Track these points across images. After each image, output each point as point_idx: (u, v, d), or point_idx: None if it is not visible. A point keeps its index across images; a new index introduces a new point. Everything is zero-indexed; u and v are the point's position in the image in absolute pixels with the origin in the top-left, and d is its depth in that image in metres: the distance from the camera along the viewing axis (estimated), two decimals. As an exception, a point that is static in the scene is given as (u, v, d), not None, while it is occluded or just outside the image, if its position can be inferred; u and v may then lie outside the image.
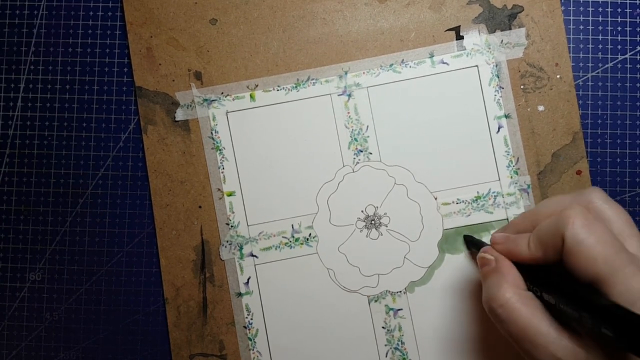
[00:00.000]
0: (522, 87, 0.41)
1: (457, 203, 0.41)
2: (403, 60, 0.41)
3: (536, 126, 0.41)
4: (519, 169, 0.40)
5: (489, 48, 0.41)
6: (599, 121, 0.41)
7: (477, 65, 0.41)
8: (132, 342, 0.42)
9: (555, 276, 0.29)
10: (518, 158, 0.41)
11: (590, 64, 0.41)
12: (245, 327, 0.40)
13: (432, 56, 0.41)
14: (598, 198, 0.30)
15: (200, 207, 0.41)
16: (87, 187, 0.42)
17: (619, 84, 0.41)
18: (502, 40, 0.41)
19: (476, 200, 0.41)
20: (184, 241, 0.41)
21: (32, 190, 0.43)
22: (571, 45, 0.41)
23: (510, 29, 0.41)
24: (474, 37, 0.41)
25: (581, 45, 0.41)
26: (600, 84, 0.41)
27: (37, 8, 0.43)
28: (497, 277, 0.31)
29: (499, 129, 0.41)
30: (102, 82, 0.43)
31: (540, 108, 0.41)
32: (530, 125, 0.41)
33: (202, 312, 0.40)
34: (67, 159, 0.42)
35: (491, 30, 0.41)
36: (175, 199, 0.41)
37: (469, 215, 0.41)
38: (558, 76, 0.41)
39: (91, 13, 0.43)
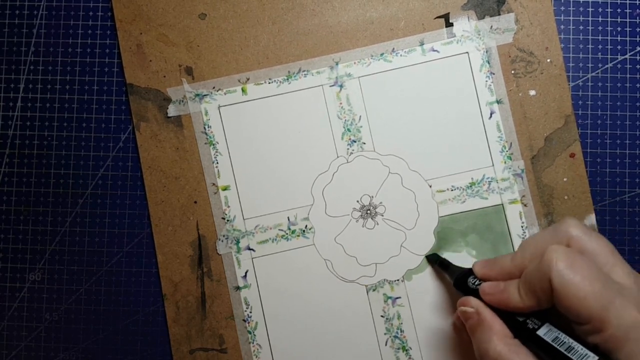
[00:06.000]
0: (513, 72, 0.41)
1: (452, 190, 0.41)
2: (393, 49, 0.41)
3: (528, 111, 0.41)
4: (512, 154, 0.41)
5: (479, 34, 0.41)
6: (599, 121, 0.41)
7: (467, 52, 0.41)
8: (132, 342, 0.42)
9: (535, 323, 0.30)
10: (511, 143, 0.41)
11: (590, 64, 0.41)
12: (244, 320, 0.40)
13: (422, 44, 0.41)
14: (577, 230, 0.30)
15: (195, 202, 0.41)
16: (87, 187, 0.42)
17: (618, 84, 0.41)
18: (491, 26, 0.41)
19: (471, 186, 0.41)
20: (181, 237, 0.41)
21: (32, 190, 0.43)
22: (571, 45, 0.41)
23: (499, 14, 0.41)
24: (464, 24, 0.41)
25: (581, 46, 0.41)
26: (600, 84, 0.41)
27: (37, 8, 0.43)
28: (484, 331, 0.31)
29: (491, 114, 0.41)
30: (102, 82, 0.42)
31: (532, 92, 0.41)
32: (522, 110, 0.41)
33: (201, 307, 0.41)
34: (67, 159, 0.42)
35: (480, 17, 0.41)
36: (170, 195, 0.41)
37: (464, 201, 0.41)
38: (548, 60, 0.41)
39: (91, 13, 0.43)
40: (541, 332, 0.29)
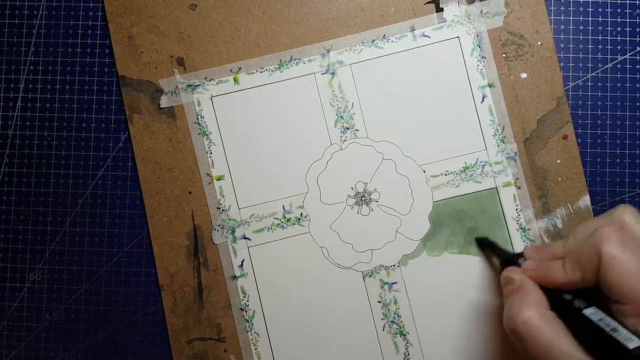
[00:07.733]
0: (504, 55, 0.41)
1: (446, 174, 0.41)
2: (384, 35, 0.41)
3: (520, 94, 0.41)
4: (505, 137, 0.41)
5: (469, 18, 0.41)
6: (599, 121, 0.41)
7: (458, 37, 0.41)
8: (132, 342, 0.42)
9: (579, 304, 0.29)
10: (504, 126, 0.41)
11: (590, 64, 0.41)
12: (241, 309, 0.40)
13: (413, 30, 0.41)
14: (630, 217, 0.30)
15: (190, 192, 0.41)
16: (87, 187, 0.42)
17: (618, 85, 0.41)
18: (481, 10, 0.41)
19: (464, 170, 0.41)
20: (176, 227, 0.41)
21: (32, 191, 0.43)
22: (571, 45, 0.41)
23: (489, -2, 0.41)
24: (454, 9, 0.41)
25: (581, 46, 0.41)
26: (600, 84, 0.41)
27: (37, 8, 0.43)
28: (519, 296, 0.30)
29: (483, 98, 0.41)
30: (102, 83, 0.42)
31: (523, 75, 0.41)
32: (514, 93, 0.41)
33: (198, 297, 0.41)
34: (67, 159, 0.42)
35: (470, 1, 0.41)
36: (164, 186, 0.41)
37: (458, 186, 0.41)
38: (539, 43, 0.41)
39: (91, 13, 0.43)
40: (587, 311, 0.28)
